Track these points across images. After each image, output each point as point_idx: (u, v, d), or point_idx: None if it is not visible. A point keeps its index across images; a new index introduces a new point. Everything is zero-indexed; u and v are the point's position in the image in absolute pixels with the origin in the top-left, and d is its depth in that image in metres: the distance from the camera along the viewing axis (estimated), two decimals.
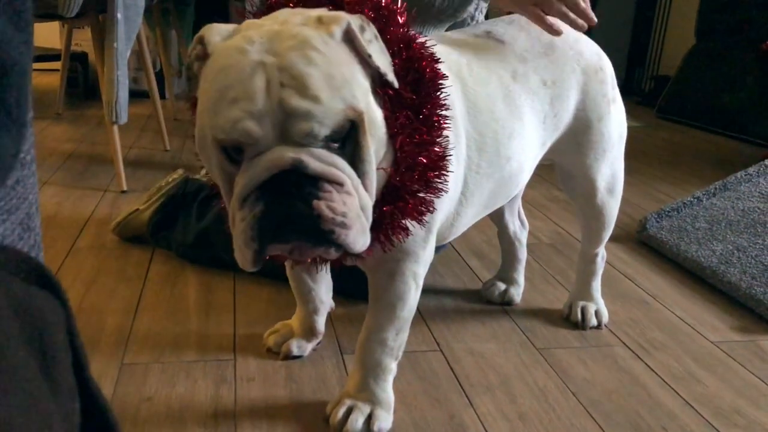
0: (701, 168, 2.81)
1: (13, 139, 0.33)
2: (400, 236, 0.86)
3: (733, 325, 1.42)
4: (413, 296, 0.99)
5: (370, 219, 0.79)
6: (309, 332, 1.22)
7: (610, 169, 1.25)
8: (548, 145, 1.17)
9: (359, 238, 0.76)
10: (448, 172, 0.86)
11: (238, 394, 1.09)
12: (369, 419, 1.00)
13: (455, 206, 1.00)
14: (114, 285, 1.45)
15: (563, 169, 1.28)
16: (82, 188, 2.08)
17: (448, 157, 0.86)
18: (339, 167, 0.74)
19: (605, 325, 1.38)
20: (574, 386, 1.17)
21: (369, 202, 0.78)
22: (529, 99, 1.08)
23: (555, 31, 1.10)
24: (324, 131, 0.72)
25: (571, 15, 1.10)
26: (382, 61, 0.78)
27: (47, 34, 3.54)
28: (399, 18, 0.86)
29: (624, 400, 1.14)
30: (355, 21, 0.77)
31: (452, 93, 0.93)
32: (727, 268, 1.58)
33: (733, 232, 1.73)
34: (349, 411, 1.00)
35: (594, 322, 1.37)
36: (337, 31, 0.75)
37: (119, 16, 1.95)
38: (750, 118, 3.37)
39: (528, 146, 1.09)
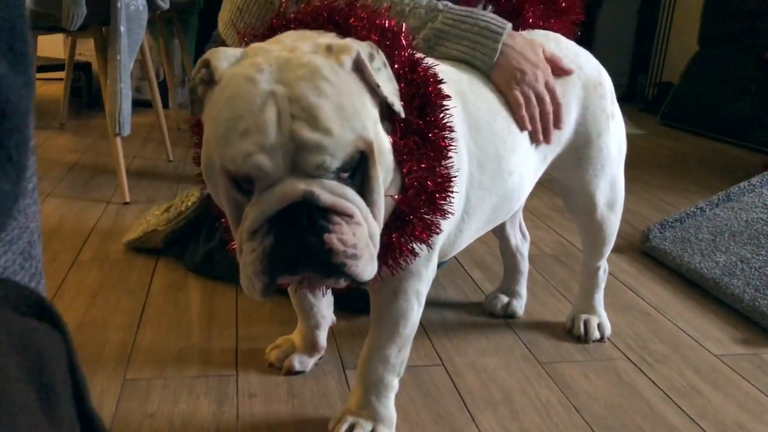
0: (704, 176, 2.81)
1: (13, 183, 0.34)
2: (408, 259, 0.87)
3: (736, 338, 1.42)
4: (415, 314, 0.99)
5: (378, 247, 0.79)
6: (311, 347, 1.22)
7: (609, 184, 1.25)
8: (549, 159, 1.17)
9: (368, 267, 0.76)
10: (454, 193, 0.86)
11: (240, 410, 1.09)
12: None
13: (457, 223, 1.00)
14: (117, 299, 1.45)
15: (563, 185, 1.28)
16: (85, 200, 2.08)
17: (454, 179, 0.86)
18: (349, 198, 0.74)
19: (608, 338, 1.38)
20: (576, 401, 1.16)
21: (377, 230, 0.78)
22: None
23: (524, 126, 1.07)
24: (335, 163, 0.72)
25: (537, 125, 1.08)
26: (389, 90, 0.78)
27: (51, 44, 3.55)
28: (403, 40, 0.86)
29: (627, 415, 1.13)
30: (364, 49, 0.77)
31: (455, 112, 0.93)
32: (730, 279, 1.57)
33: (736, 243, 1.73)
34: (352, 428, 1.00)
35: (597, 335, 1.37)
36: (347, 60, 0.75)
37: (122, 28, 1.96)
38: (753, 125, 3.36)
39: (529, 160, 1.09)
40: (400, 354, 1.01)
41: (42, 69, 3.15)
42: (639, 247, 1.88)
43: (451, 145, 0.86)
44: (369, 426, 1.01)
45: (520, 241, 1.48)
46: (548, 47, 1.14)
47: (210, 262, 1.53)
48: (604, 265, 1.38)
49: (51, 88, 3.79)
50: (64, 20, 1.89)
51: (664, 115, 3.95)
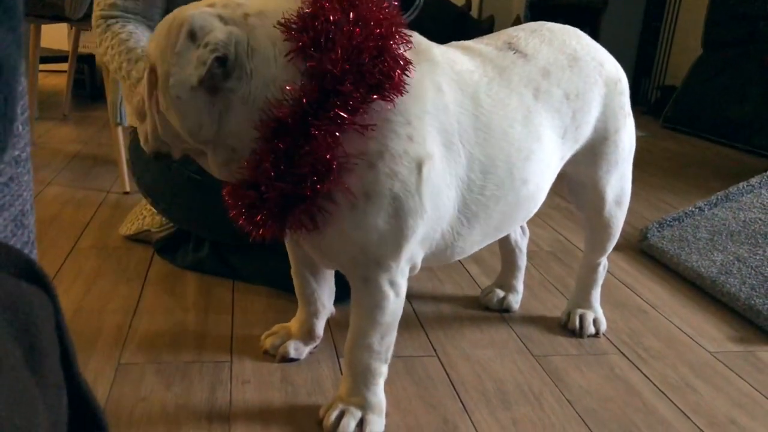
0: (705, 179, 2.81)
1: (1, 135, 0.34)
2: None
3: (731, 336, 1.42)
4: (392, 303, 0.98)
5: None
6: (307, 335, 1.22)
7: (619, 181, 1.25)
8: (566, 158, 1.16)
9: None
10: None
11: (233, 396, 1.10)
12: (361, 423, 1.01)
13: (451, 225, 0.99)
14: (114, 285, 1.46)
15: (573, 180, 1.28)
16: (85, 189, 2.09)
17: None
18: None
19: (603, 334, 1.38)
20: (569, 394, 1.17)
21: None
22: (550, 117, 1.07)
23: None
24: None
25: None
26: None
27: (55, 36, 3.56)
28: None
29: (619, 409, 1.13)
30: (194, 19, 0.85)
31: (459, 116, 0.94)
32: (726, 278, 1.57)
33: (734, 243, 1.73)
34: (342, 415, 1.01)
35: (592, 330, 1.37)
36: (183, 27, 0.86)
37: None
38: (755, 129, 3.36)
39: (547, 166, 1.08)
40: (384, 341, 1.01)
41: (46, 61, 3.16)
42: (637, 246, 1.89)
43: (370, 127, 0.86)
44: (359, 413, 1.01)
45: (520, 236, 1.48)
46: (570, 42, 1.13)
47: (201, 269, 1.54)
48: (604, 261, 1.38)
49: (55, 80, 3.80)
50: (67, 9, 1.90)
51: (667, 119, 3.95)
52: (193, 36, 0.83)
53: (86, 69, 3.51)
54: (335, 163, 0.85)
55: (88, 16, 2.03)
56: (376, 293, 0.96)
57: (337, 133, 0.84)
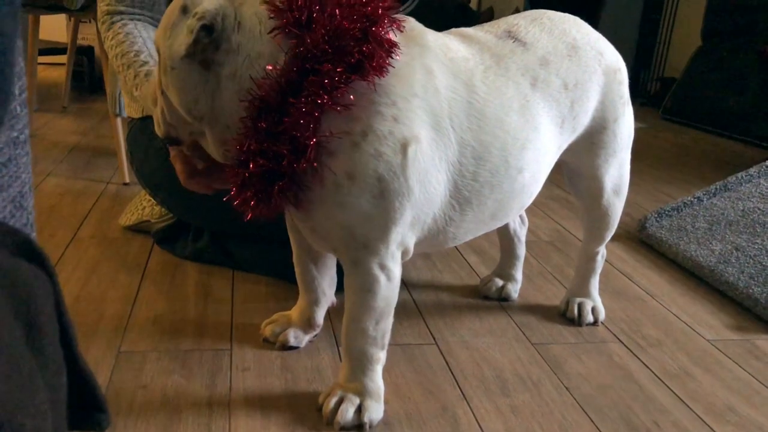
0: (704, 170, 2.81)
1: None
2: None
3: (729, 324, 1.42)
4: (383, 287, 0.98)
5: None
6: (307, 323, 1.23)
7: (618, 170, 1.25)
8: (564, 147, 1.16)
9: None
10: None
11: (233, 383, 1.10)
12: (359, 409, 1.01)
13: (443, 210, 0.99)
14: (114, 274, 1.46)
15: (572, 169, 1.28)
16: (85, 180, 2.09)
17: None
18: None
19: (601, 322, 1.39)
20: (567, 381, 1.17)
21: None
22: (548, 107, 1.07)
23: None
24: None
25: None
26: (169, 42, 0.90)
27: (54, 28, 3.56)
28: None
29: (617, 396, 1.14)
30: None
31: (450, 100, 0.94)
32: (725, 267, 1.58)
33: (732, 232, 1.73)
34: (340, 401, 1.01)
35: (590, 318, 1.37)
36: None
37: None
38: (753, 120, 3.36)
39: (544, 155, 1.08)
40: (379, 327, 1.00)
41: (45, 53, 3.16)
42: (636, 236, 1.89)
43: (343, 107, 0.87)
44: (357, 400, 1.01)
45: (519, 225, 1.48)
46: (570, 31, 1.13)
47: (201, 259, 1.54)
48: (602, 250, 1.38)
49: (54, 72, 3.79)
50: None
51: (666, 110, 3.95)
52: (185, 9, 0.88)
53: (85, 61, 3.51)
54: (312, 141, 0.86)
55: (86, 7, 2.02)
56: (366, 276, 0.96)
57: (316, 113, 0.85)
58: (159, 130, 1.02)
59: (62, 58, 3.21)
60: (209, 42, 0.87)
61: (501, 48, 1.06)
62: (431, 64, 0.95)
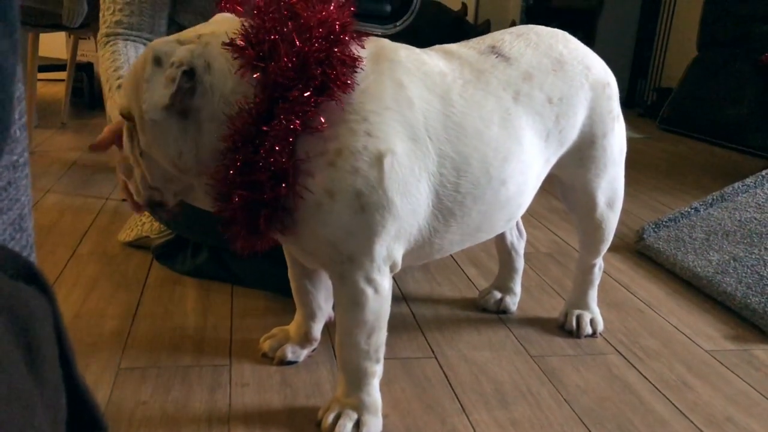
0: (702, 180, 2.82)
1: None
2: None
3: (727, 335, 1.43)
4: (372, 300, 0.98)
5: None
6: (304, 338, 1.23)
7: (610, 184, 1.26)
8: (552, 161, 1.17)
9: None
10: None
11: (232, 399, 1.11)
12: (358, 424, 1.01)
13: (427, 221, 0.99)
14: (113, 290, 1.46)
15: (564, 182, 1.29)
16: (84, 196, 2.10)
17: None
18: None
19: (600, 334, 1.39)
20: (567, 393, 1.17)
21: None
22: (531, 120, 1.07)
23: None
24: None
25: None
26: (145, 96, 0.89)
27: (53, 45, 3.58)
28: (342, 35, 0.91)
29: (616, 407, 1.14)
30: (159, 50, 0.89)
31: (426, 111, 0.96)
32: (722, 277, 1.58)
33: (729, 243, 1.74)
34: (338, 416, 1.01)
35: (589, 330, 1.38)
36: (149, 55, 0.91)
37: None
38: (750, 130, 3.37)
39: (529, 167, 1.09)
40: (371, 340, 1.01)
41: (44, 69, 3.17)
42: (633, 246, 1.89)
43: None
44: (354, 415, 1.02)
45: (516, 238, 1.49)
46: (557, 47, 1.14)
47: (200, 275, 1.55)
48: (599, 262, 1.39)
49: (53, 88, 3.81)
50: (65, 17, 1.91)
51: (663, 120, 3.96)
52: (158, 61, 0.89)
53: (84, 77, 3.53)
54: (290, 166, 0.89)
55: (85, 24, 2.04)
56: (353, 290, 0.97)
57: (290, 138, 0.88)
58: (140, 197, 1.02)
59: (62, 75, 3.23)
60: (188, 88, 0.89)
61: (482, 63, 1.07)
62: (402, 78, 0.96)
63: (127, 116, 0.95)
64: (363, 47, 0.96)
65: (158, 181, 0.98)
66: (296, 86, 0.87)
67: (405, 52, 1.01)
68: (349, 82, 0.90)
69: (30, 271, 0.45)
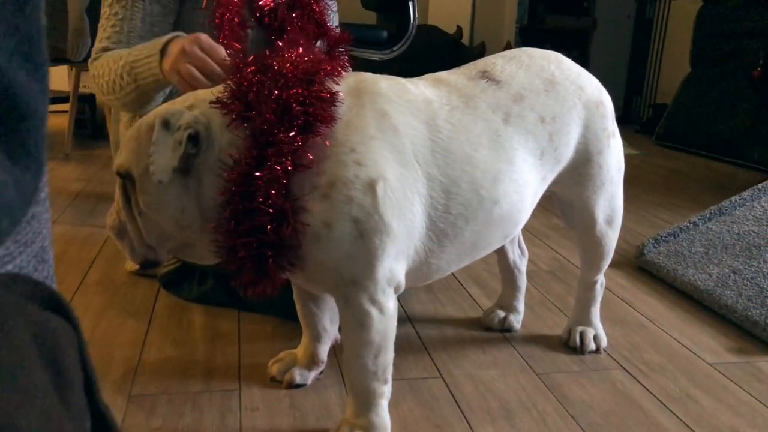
0: (699, 194, 2.85)
1: (34, 176, 0.38)
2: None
3: (729, 347, 1.44)
4: (378, 321, 1.00)
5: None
6: (311, 360, 1.25)
7: (608, 201, 1.28)
8: (549, 179, 1.19)
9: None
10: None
11: (243, 423, 1.12)
12: None
13: (422, 242, 1.02)
14: (122, 318, 1.48)
15: (563, 200, 1.31)
16: (90, 226, 2.12)
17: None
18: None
19: (603, 350, 1.41)
20: (572, 409, 1.19)
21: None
22: (523, 140, 1.10)
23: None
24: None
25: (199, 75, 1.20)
26: (152, 158, 0.93)
27: (56, 77, 3.63)
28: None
29: (622, 422, 1.16)
30: (161, 118, 0.94)
31: (412, 137, 1.00)
32: (723, 290, 1.60)
33: (728, 256, 1.76)
34: None
35: (593, 346, 1.39)
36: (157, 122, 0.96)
37: None
38: (745, 143, 3.41)
39: (523, 186, 1.11)
40: (378, 361, 1.02)
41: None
42: (634, 262, 1.91)
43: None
44: None
45: (518, 257, 1.51)
46: (549, 68, 1.18)
47: (207, 302, 1.57)
48: (601, 279, 1.41)
49: (56, 120, 3.85)
50: (69, 51, 1.96)
51: (659, 136, 4.00)
52: (167, 125, 0.94)
53: (87, 109, 3.57)
54: (288, 205, 0.92)
55: (88, 57, 2.08)
56: (358, 312, 0.99)
57: (283, 179, 0.92)
58: (134, 257, 1.05)
59: (65, 106, 3.27)
60: (193, 148, 0.94)
61: (471, 88, 1.11)
62: (384, 107, 1.00)
63: (124, 175, 0.99)
64: (338, 84, 1.01)
65: (154, 240, 1.02)
66: (280, 129, 0.93)
67: (386, 83, 1.05)
68: (330, 115, 0.95)
69: (56, 300, 0.48)
